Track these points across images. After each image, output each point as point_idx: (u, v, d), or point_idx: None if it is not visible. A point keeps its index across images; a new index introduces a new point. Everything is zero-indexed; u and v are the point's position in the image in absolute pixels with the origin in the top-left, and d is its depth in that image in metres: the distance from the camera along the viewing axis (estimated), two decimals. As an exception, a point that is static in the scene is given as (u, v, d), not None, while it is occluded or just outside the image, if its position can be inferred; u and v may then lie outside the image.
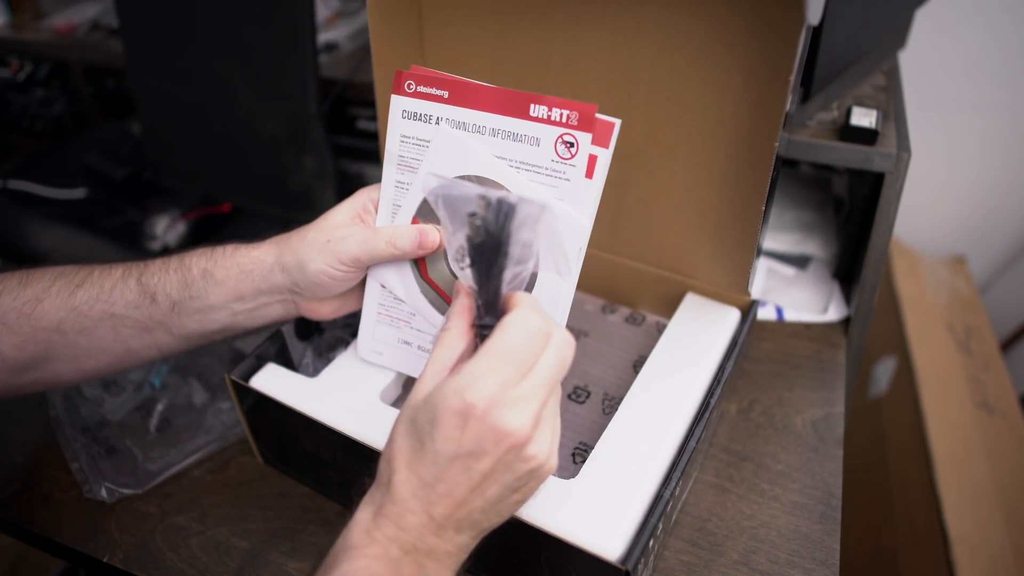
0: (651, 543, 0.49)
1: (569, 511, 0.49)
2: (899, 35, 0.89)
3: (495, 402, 0.39)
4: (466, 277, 0.45)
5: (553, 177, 0.51)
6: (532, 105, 0.51)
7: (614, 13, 0.60)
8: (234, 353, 0.76)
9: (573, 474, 0.52)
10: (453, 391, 0.39)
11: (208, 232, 0.98)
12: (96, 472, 0.64)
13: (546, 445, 0.42)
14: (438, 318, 0.57)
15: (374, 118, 0.95)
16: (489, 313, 0.45)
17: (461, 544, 0.42)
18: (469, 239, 0.43)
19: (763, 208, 0.61)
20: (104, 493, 0.62)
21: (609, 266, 0.71)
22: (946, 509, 0.90)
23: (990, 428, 1.00)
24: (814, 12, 0.51)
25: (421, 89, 0.55)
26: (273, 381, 0.60)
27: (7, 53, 1.20)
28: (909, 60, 0.96)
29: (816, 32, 0.64)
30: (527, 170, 0.52)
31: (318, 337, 0.67)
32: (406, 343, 0.60)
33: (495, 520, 0.43)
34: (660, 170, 0.65)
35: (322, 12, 1.09)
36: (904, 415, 1.06)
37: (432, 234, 0.56)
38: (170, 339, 0.58)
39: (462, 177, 0.54)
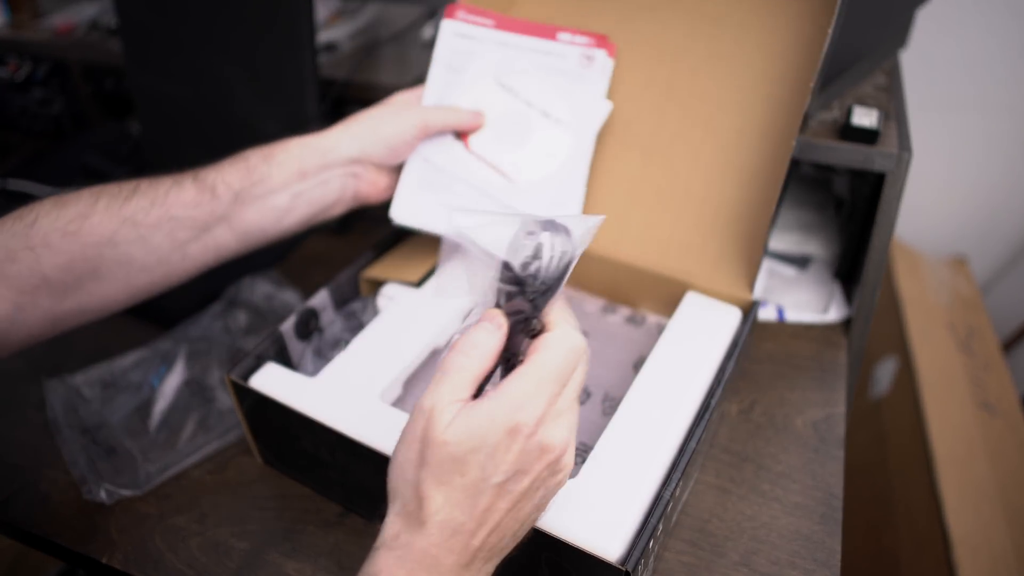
0: (651, 544, 0.49)
1: (569, 511, 0.49)
2: (900, 34, 0.89)
3: (542, 420, 0.39)
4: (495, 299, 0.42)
5: (577, 79, 0.70)
6: (559, 32, 0.71)
7: (671, 27, 0.71)
8: (233, 353, 0.75)
9: (573, 475, 0.52)
10: (504, 415, 0.38)
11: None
12: (95, 473, 0.64)
13: (573, 453, 0.42)
14: (480, 181, 0.68)
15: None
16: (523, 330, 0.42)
17: (485, 574, 0.41)
18: (527, 266, 0.41)
19: (778, 200, 0.63)
20: (103, 494, 0.62)
21: (610, 267, 0.71)
22: (947, 510, 0.90)
23: (991, 429, 1.00)
24: None
25: (471, 17, 0.71)
26: (272, 381, 0.59)
27: (6, 52, 1.19)
28: (911, 60, 0.96)
29: (817, 31, 0.65)
30: (557, 73, 0.70)
31: (318, 337, 0.67)
32: (444, 206, 0.68)
33: (515, 543, 0.42)
34: (683, 165, 0.69)
35: (322, 12, 1.08)
36: (905, 416, 1.06)
37: (482, 114, 0.68)
38: (229, 235, 0.60)
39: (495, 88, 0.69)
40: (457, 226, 0.43)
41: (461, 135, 0.69)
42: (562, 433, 0.40)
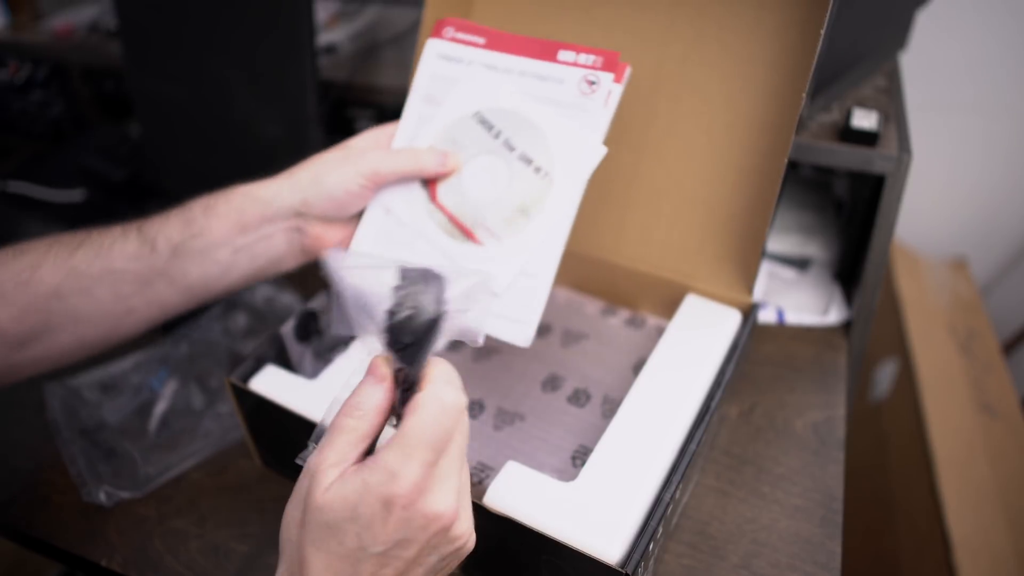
0: (651, 546, 0.49)
1: (569, 514, 0.49)
2: (900, 36, 0.89)
3: (419, 488, 0.37)
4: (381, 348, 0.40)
5: (573, 109, 0.58)
6: (560, 51, 0.58)
7: (652, 10, 0.65)
8: (233, 356, 0.75)
9: (572, 477, 0.52)
10: (377, 485, 0.36)
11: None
12: (95, 475, 0.64)
13: (469, 522, 0.40)
14: (444, 240, 0.58)
15: (373, 120, 0.95)
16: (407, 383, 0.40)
17: None
18: (392, 317, 0.38)
19: (775, 199, 0.62)
20: (103, 496, 0.62)
21: (610, 269, 0.71)
22: (948, 512, 0.90)
23: (992, 431, 1.00)
24: None
25: (459, 35, 0.61)
26: (272, 383, 0.59)
27: (6, 55, 1.19)
28: (910, 61, 0.96)
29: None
30: (550, 104, 0.58)
31: (317, 339, 0.67)
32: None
33: None
34: (677, 163, 0.67)
35: (322, 14, 1.09)
36: (905, 418, 1.05)
37: (453, 156, 0.59)
38: (172, 291, 0.56)
39: (478, 112, 0.59)
40: (334, 266, 0.40)
41: (429, 182, 0.60)
42: (447, 499, 0.38)
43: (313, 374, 0.64)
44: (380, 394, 0.39)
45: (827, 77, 0.74)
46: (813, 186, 1.01)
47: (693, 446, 0.54)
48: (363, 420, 0.39)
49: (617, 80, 0.57)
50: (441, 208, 0.59)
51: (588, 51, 0.58)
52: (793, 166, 1.03)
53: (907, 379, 1.08)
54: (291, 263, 0.60)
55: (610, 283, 0.73)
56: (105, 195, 1.05)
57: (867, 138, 0.70)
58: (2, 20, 1.24)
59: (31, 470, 0.66)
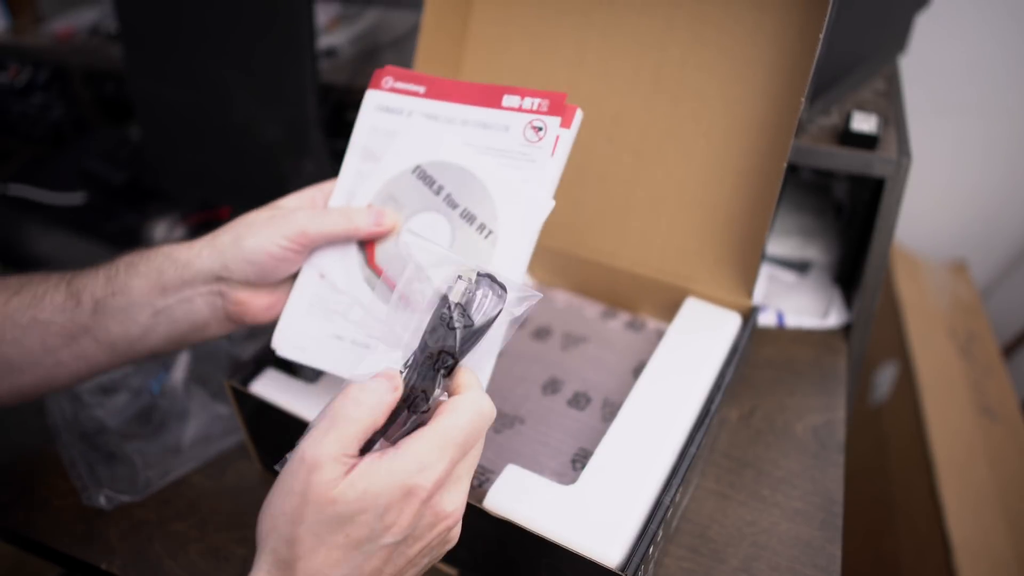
0: (651, 550, 0.49)
1: (568, 517, 0.49)
2: (899, 39, 0.89)
3: (439, 484, 0.38)
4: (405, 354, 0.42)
5: (519, 159, 0.54)
6: (505, 96, 0.54)
7: (649, 13, 0.65)
8: (233, 359, 0.75)
9: (572, 480, 0.52)
10: (403, 474, 0.36)
11: (207, 237, 0.98)
12: (94, 479, 0.64)
13: (460, 525, 0.41)
14: (381, 309, 0.54)
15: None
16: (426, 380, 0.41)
17: None
18: (447, 304, 0.41)
19: (775, 202, 0.62)
20: (102, 500, 0.62)
21: (610, 272, 0.71)
22: (948, 515, 0.90)
23: (992, 434, 1.00)
24: None
25: (399, 85, 0.57)
26: (273, 386, 0.59)
27: (6, 58, 1.20)
28: (910, 65, 0.96)
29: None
30: (494, 154, 0.54)
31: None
32: (338, 337, 0.55)
33: None
34: (676, 166, 0.67)
35: (322, 17, 1.09)
36: (905, 421, 1.05)
37: (390, 214, 0.54)
38: (96, 348, 0.54)
39: (427, 164, 0.56)
40: (408, 244, 0.43)
41: (366, 243, 0.55)
42: (457, 501, 0.39)
43: (313, 378, 0.64)
44: (391, 396, 0.39)
45: (826, 80, 0.74)
46: (813, 189, 1.01)
47: (693, 449, 0.54)
48: (368, 413, 0.38)
49: (565, 125, 0.53)
50: (379, 272, 0.54)
51: (533, 94, 0.54)
52: (793, 169, 1.03)
53: (907, 382, 1.08)
54: (216, 330, 0.56)
55: (610, 286, 0.73)
56: (105, 198, 1.05)
57: (867, 141, 0.70)
58: (3, 23, 1.24)
59: (31, 473, 0.66)
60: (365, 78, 0.96)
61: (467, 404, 0.39)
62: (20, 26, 1.24)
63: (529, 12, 0.70)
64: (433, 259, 0.43)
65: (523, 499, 0.50)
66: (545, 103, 0.53)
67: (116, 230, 0.99)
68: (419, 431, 0.38)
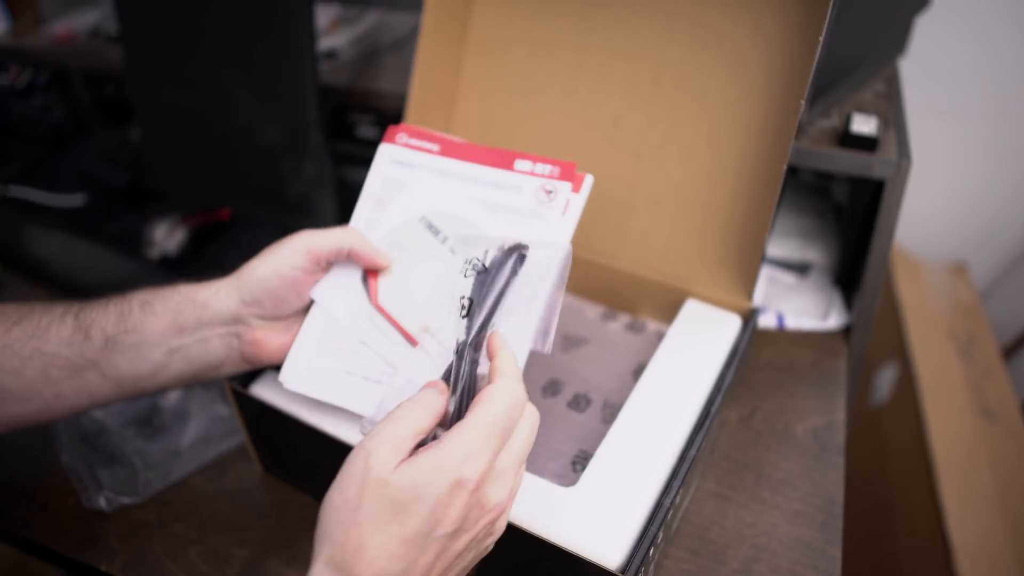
0: (651, 551, 0.49)
1: (568, 519, 0.49)
2: (899, 41, 0.89)
3: (486, 476, 0.39)
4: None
5: (530, 217, 0.56)
6: (517, 160, 0.57)
7: (649, 16, 0.65)
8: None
9: (572, 482, 0.52)
10: (450, 466, 0.37)
11: (207, 238, 0.98)
12: (94, 480, 0.64)
13: (507, 519, 0.42)
14: (384, 347, 0.55)
15: (374, 124, 0.95)
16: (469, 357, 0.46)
17: None
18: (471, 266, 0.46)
19: (775, 204, 0.62)
20: (102, 502, 0.62)
21: (610, 273, 0.71)
22: (948, 517, 0.90)
23: (992, 435, 1.00)
24: None
25: (413, 142, 0.60)
26: (273, 388, 0.59)
27: (7, 59, 1.20)
28: (910, 66, 0.96)
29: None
30: (506, 212, 0.56)
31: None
32: (348, 373, 0.56)
33: None
34: (676, 168, 0.67)
35: (322, 19, 1.09)
36: (905, 422, 1.05)
37: (385, 254, 0.57)
38: (101, 382, 0.54)
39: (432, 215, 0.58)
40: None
41: (369, 278, 0.57)
42: (502, 493, 0.40)
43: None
44: (442, 402, 0.42)
45: (826, 82, 0.74)
46: (813, 191, 1.01)
47: (693, 451, 0.54)
48: (425, 416, 0.41)
49: (575, 190, 0.56)
50: (381, 311, 0.56)
51: (545, 161, 0.56)
52: (793, 171, 1.03)
53: (907, 384, 1.08)
54: (229, 369, 0.57)
55: (610, 288, 0.73)
56: (106, 200, 1.05)
57: (866, 143, 0.70)
58: (3, 25, 1.24)
59: (31, 475, 0.66)
60: (365, 80, 0.96)
61: (500, 392, 0.41)
62: (20, 28, 1.25)
63: (529, 14, 0.70)
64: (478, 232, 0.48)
65: (523, 501, 0.50)
66: (556, 170, 0.56)
67: (116, 231, 0.99)
68: (458, 424, 0.39)
